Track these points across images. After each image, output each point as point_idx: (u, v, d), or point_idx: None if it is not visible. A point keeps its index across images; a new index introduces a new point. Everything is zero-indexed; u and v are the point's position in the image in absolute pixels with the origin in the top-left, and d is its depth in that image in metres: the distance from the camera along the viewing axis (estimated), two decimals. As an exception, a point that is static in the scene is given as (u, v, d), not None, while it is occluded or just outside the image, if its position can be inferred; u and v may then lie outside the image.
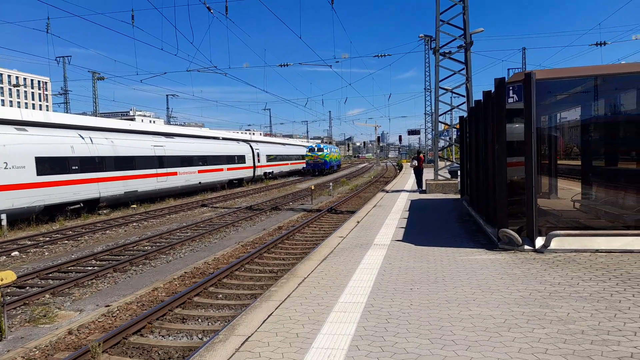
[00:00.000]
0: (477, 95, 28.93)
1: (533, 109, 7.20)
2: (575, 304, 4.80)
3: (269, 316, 4.93)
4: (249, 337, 4.39)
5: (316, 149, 50.03)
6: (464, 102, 19.27)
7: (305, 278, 6.41)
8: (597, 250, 7.06)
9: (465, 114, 17.32)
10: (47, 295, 8.47)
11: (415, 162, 21.24)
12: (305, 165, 50.72)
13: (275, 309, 5.16)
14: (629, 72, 7.76)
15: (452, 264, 6.86)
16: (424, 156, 23.19)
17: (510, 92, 7.71)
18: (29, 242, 14.01)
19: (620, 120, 9.08)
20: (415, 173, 21.32)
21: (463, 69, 19.00)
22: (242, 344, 4.22)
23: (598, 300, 4.89)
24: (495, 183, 8.08)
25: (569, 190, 10.22)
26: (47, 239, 14.56)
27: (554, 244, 7.18)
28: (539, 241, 7.30)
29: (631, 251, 6.92)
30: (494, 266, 6.57)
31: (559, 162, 10.61)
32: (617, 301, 4.84)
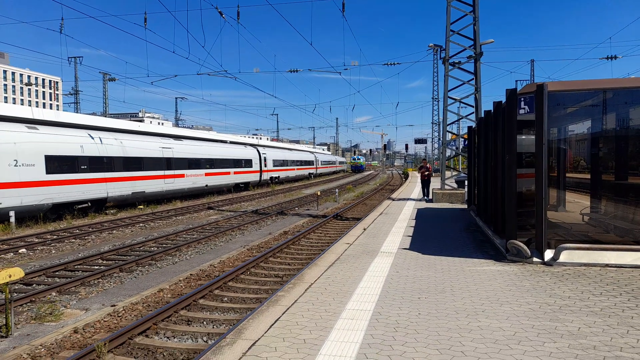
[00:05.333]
0: (486, 106, 28.85)
1: (545, 121, 7.17)
2: (586, 319, 4.75)
3: (276, 321, 4.91)
4: (256, 341, 4.37)
5: (356, 158, 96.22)
6: (473, 112, 19.24)
7: (312, 284, 6.39)
8: (607, 265, 6.99)
9: (473, 124, 17.29)
10: (54, 293, 8.50)
11: (426, 172, 21.17)
12: (350, 167, 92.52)
13: (283, 313, 5.15)
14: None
15: (459, 274, 6.81)
16: (430, 165, 23.15)
17: (522, 103, 7.68)
18: (37, 240, 14.09)
19: (631, 134, 9.02)
20: (422, 182, 21.27)
21: (472, 79, 18.97)
22: (249, 348, 4.20)
23: (609, 316, 4.83)
24: (505, 194, 8.03)
25: (577, 204, 10.15)
26: (55, 237, 14.63)
27: (563, 257, 7.12)
28: (548, 254, 7.25)
29: (642, 267, 6.84)
30: (502, 278, 6.52)
31: (567, 175, 10.55)
32: (629, 317, 4.78)
